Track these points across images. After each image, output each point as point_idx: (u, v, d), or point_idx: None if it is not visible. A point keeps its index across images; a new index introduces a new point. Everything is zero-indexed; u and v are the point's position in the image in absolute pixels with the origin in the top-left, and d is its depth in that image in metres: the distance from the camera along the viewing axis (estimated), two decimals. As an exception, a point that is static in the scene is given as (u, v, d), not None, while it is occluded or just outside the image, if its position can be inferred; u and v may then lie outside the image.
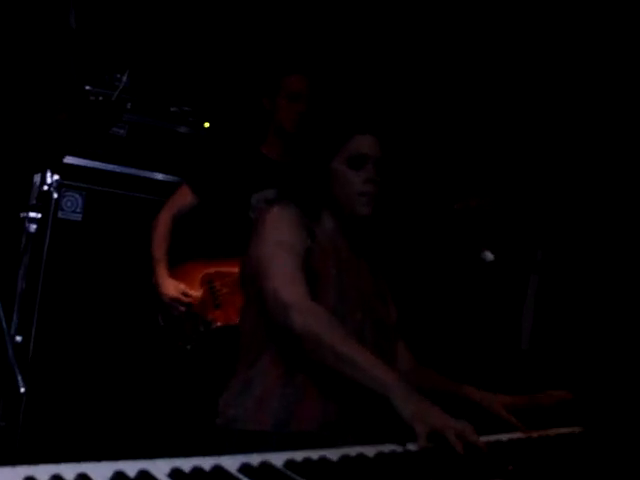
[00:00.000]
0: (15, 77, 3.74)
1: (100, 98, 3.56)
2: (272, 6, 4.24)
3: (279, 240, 1.93)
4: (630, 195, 2.92)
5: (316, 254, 1.95)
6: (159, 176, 3.75)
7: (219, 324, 3.10)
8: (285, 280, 1.84)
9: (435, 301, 3.18)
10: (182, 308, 3.11)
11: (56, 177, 3.37)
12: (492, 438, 1.61)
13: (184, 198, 3.32)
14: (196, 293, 3.15)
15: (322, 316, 1.77)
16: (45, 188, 3.29)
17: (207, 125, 3.82)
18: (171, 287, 3.13)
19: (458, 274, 3.05)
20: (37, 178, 3.42)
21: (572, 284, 2.91)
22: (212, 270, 3.18)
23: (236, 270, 3.06)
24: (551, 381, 2.91)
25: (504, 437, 1.67)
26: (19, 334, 3.21)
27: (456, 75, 3.60)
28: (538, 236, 3.04)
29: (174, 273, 3.21)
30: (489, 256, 2.36)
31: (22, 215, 3.20)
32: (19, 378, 2.24)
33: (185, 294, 3.11)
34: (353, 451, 1.33)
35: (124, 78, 3.61)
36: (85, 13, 3.83)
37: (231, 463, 1.14)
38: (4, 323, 2.32)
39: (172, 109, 3.78)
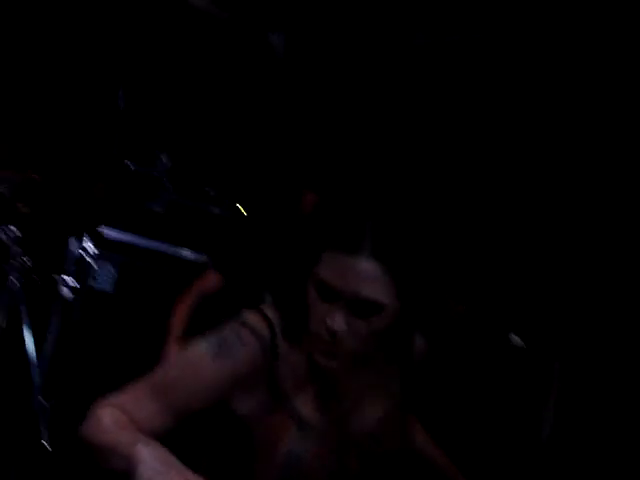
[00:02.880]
0: (61, 146, 3.93)
1: (140, 174, 3.71)
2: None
3: (170, 383, 1.48)
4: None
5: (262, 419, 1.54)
6: (191, 254, 3.84)
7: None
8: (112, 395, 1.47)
9: (458, 384, 3.18)
10: None
11: (92, 246, 3.47)
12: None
13: (209, 281, 3.40)
14: None
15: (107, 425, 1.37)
16: (81, 256, 3.38)
17: (240, 208, 3.94)
18: None
19: (483, 359, 3.06)
20: (74, 245, 3.54)
21: (594, 378, 2.92)
22: None
23: None
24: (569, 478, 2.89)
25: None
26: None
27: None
28: (558, 334, 3.06)
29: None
30: (517, 341, 2.37)
31: (56, 278, 3.28)
32: (45, 434, 2.27)
33: None
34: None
35: (164, 157, 3.77)
36: (133, 94, 4.04)
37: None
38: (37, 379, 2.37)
39: (209, 191, 3.92)
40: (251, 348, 1.48)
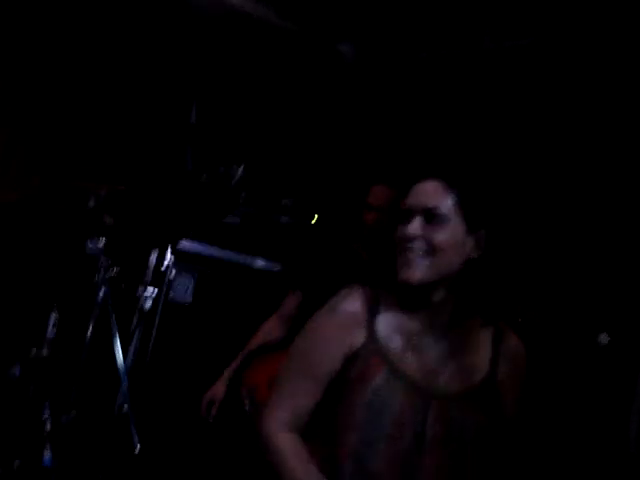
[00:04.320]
0: (142, 160, 4.04)
1: (215, 187, 3.77)
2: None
3: (297, 361, 1.84)
4: None
5: (361, 359, 1.74)
6: (271, 265, 3.88)
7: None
8: (270, 406, 1.80)
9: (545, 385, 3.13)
10: (204, 412, 3.19)
11: (172, 258, 3.52)
12: None
13: (290, 304, 3.42)
14: None
15: (286, 455, 1.73)
16: (162, 268, 3.43)
17: (315, 219, 3.97)
18: (217, 390, 3.22)
19: (569, 359, 3.01)
20: (153, 257, 3.60)
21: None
22: None
23: None
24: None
25: None
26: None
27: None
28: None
29: (263, 361, 3.29)
30: (604, 339, 2.33)
31: (138, 292, 3.33)
32: (135, 437, 2.31)
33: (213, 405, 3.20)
34: None
35: (239, 170, 3.82)
36: (206, 110, 4.11)
37: None
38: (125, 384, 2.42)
39: (283, 201, 3.95)
40: (354, 299, 1.79)
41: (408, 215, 1.72)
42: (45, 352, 3.14)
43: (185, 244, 3.70)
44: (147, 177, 3.94)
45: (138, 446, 2.31)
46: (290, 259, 3.81)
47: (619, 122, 3.39)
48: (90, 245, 2.65)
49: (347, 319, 1.77)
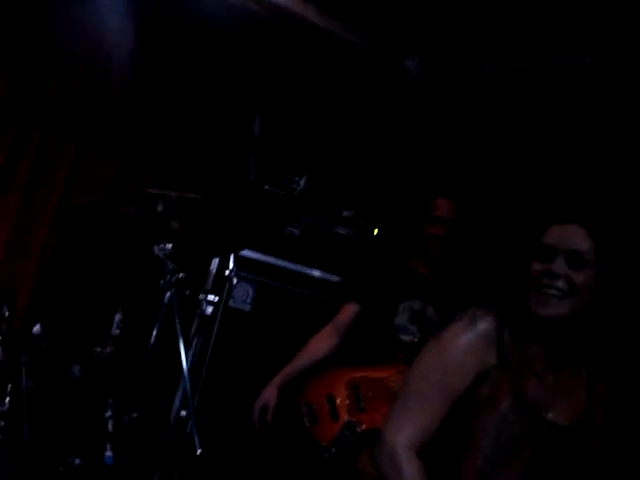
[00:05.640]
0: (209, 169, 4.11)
1: (278, 197, 3.81)
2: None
3: (429, 374, 1.85)
4: None
5: (491, 380, 1.84)
6: (329, 276, 3.91)
7: (364, 427, 3.10)
8: (397, 420, 1.84)
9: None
10: (256, 422, 3.19)
11: (233, 266, 3.56)
12: None
13: (345, 315, 3.42)
14: (340, 398, 3.20)
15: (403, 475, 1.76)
16: (225, 274, 3.46)
17: (376, 232, 3.98)
18: (270, 395, 3.22)
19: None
20: (214, 264, 3.65)
21: None
22: (358, 375, 3.24)
23: (382, 375, 3.18)
24: None
25: None
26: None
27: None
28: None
29: (320, 376, 3.29)
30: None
31: (200, 297, 3.36)
32: (196, 439, 2.34)
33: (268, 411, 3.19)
34: None
35: (302, 181, 3.85)
36: (270, 121, 4.16)
37: None
38: (188, 387, 2.45)
39: (344, 213, 3.97)
40: (488, 320, 1.86)
41: (551, 253, 1.83)
42: (109, 350, 3.21)
43: (247, 253, 3.75)
44: (213, 186, 4.00)
45: (199, 450, 2.32)
46: (348, 271, 3.83)
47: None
48: (157, 249, 2.69)
49: (484, 338, 1.85)
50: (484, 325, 1.85)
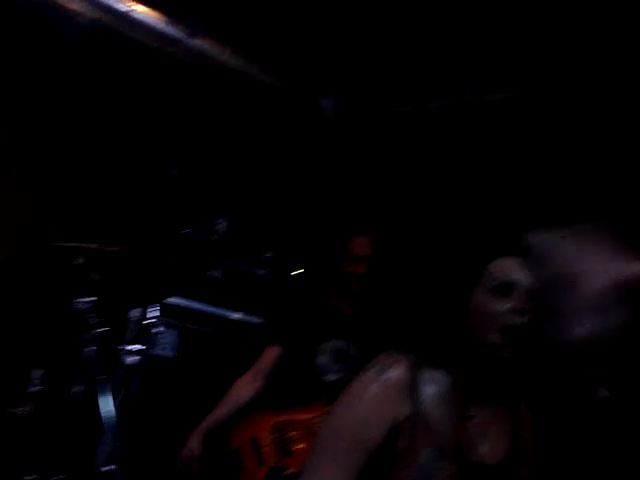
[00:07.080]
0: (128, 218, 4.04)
1: (198, 241, 3.78)
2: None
3: (340, 430, 1.70)
4: None
5: (406, 432, 1.71)
6: (252, 318, 3.89)
7: (292, 470, 3.07)
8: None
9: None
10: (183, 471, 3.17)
11: (156, 313, 3.51)
12: None
13: (268, 358, 3.40)
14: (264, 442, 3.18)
15: None
16: (145, 323, 3.42)
17: (300, 272, 3.99)
18: (196, 444, 3.21)
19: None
20: (135, 313, 3.59)
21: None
22: (282, 418, 3.21)
23: (306, 417, 3.17)
24: None
25: None
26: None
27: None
28: None
29: (244, 422, 3.26)
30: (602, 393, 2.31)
31: (122, 347, 3.31)
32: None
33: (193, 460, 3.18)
34: None
35: (223, 224, 3.83)
36: (189, 165, 4.14)
37: None
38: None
39: (265, 254, 3.97)
40: (397, 368, 1.73)
41: (508, 290, 1.71)
42: (28, 409, 3.11)
43: (169, 299, 3.70)
44: (132, 233, 3.94)
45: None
46: (271, 313, 3.82)
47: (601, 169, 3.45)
48: (78, 302, 2.63)
49: (394, 388, 1.72)
50: (394, 374, 1.72)
